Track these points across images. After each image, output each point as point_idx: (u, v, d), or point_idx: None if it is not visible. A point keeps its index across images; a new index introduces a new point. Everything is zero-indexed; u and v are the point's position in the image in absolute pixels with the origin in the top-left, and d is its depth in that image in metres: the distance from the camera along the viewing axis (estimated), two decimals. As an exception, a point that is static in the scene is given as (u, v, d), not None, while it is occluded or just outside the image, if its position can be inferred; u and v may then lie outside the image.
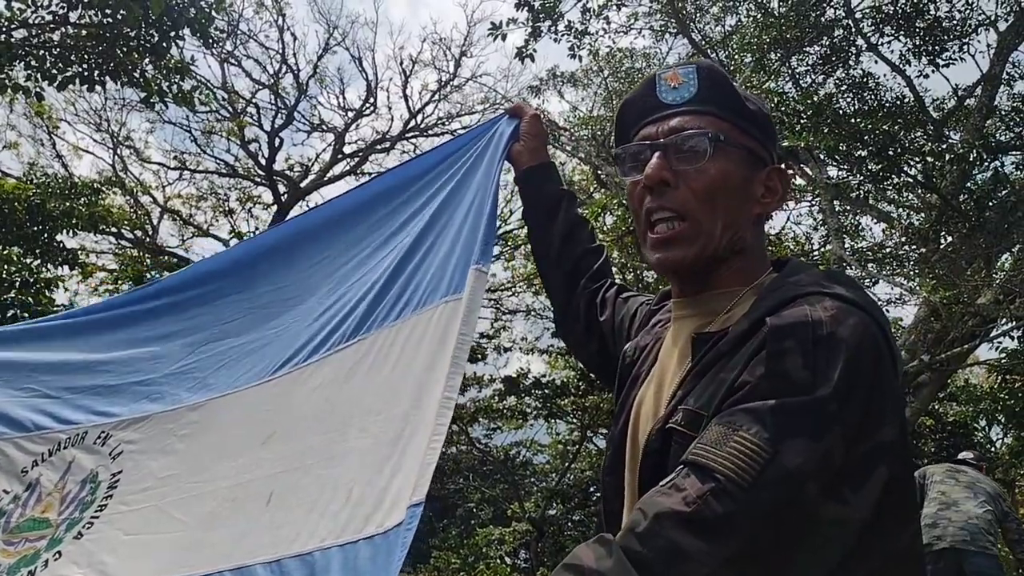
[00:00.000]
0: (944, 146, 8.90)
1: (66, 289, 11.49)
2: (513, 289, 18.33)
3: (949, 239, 10.05)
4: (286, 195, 17.43)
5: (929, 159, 8.97)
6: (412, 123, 17.93)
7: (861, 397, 0.98)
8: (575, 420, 19.13)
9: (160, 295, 2.43)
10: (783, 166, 1.28)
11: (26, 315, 8.70)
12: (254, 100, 17.53)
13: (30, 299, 9.04)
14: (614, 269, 1.95)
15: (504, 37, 9.18)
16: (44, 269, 10.22)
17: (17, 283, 9.15)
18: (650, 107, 1.30)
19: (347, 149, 18.28)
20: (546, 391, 18.54)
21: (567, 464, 19.98)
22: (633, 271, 14.02)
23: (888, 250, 11.63)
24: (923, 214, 11.11)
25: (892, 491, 0.99)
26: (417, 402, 1.69)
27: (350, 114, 18.18)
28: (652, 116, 1.29)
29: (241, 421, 2.06)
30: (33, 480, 2.25)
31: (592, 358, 1.77)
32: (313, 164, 18.58)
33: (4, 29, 7.94)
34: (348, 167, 18.18)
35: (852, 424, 0.97)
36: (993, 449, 15.54)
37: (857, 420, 0.97)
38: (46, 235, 10.72)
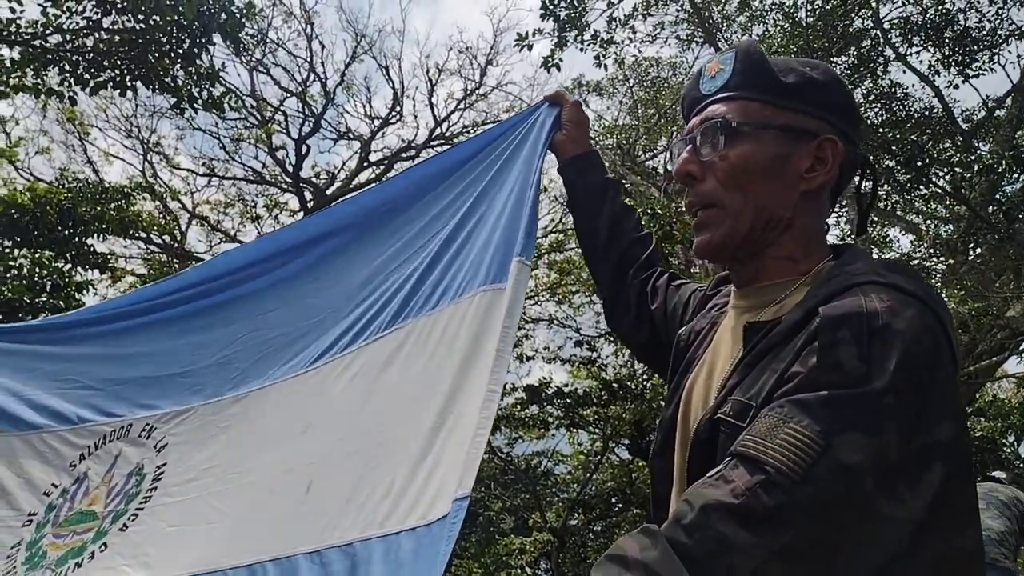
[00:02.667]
0: (973, 157, 8.81)
1: (96, 292, 11.63)
2: (536, 298, 18.33)
3: (978, 251, 9.95)
4: (312, 202, 17.56)
5: (958, 170, 8.90)
6: (437, 131, 18.03)
7: (917, 391, 0.95)
8: (597, 430, 19.07)
9: (195, 285, 2.43)
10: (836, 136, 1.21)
11: (57, 317, 8.81)
12: (282, 108, 17.71)
13: (61, 302, 9.16)
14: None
15: (530, 47, 9.22)
16: (75, 272, 10.36)
17: (48, 286, 9.29)
18: (695, 100, 1.30)
19: (373, 157, 18.42)
20: (568, 401, 18.49)
21: (589, 475, 19.91)
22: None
23: (916, 262, 11.52)
24: (951, 225, 11.01)
25: (948, 490, 0.96)
26: (456, 392, 1.68)
27: (376, 122, 18.33)
28: (695, 108, 1.30)
29: (280, 412, 2.06)
30: (81, 474, 2.28)
31: (643, 348, 1.73)
32: (339, 171, 18.75)
33: (39, 35, 8.09)
34: (374, 175, 18.30)
35: (908, 418, 0.94)
36: (1022, 465, 15.29)
37: (913, 415, 0.94)
38: (77, 239, 10.86)
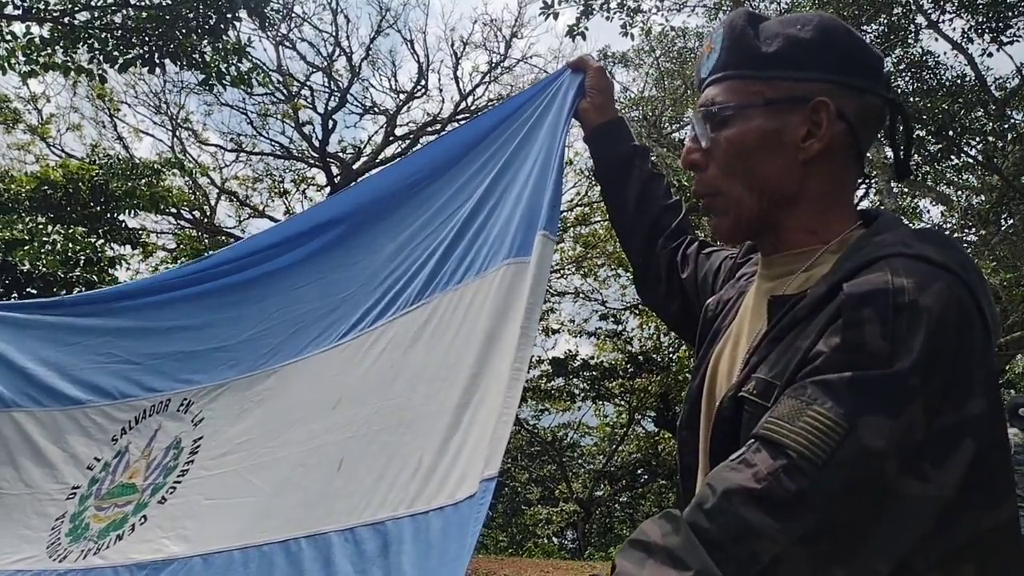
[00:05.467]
0: (1006, 126, 8.67)
1: (128, 267, 11.82)
2: (562, 271, 18.35)
3: (1010, 221, 9.81)
4: (339, 176, 17.65)
5: (990, 139, 8.78)
6: (463, 105, 18.00)
7: (945, 369, 0.92)
8: (623, 402, 19.14)
9: (229, 262, 2.46)
10: (826, 98, 1.14)
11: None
12: (308, 83, 17.77)
13: (94, 276, 9.29)
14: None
15: (556, 16, 9.16)
16: (107, 247, 10.50)
17: (82, 261, 9.42)
18: (700, 83, 1.26)
19: (398, 131, 18.44)
20: (594, 373, 18.57)
21: (615, 446, 20.01)
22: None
23: (946, 232, 11.39)
24: (983, 195, 10.85)
25: (980, 468, 0.93)
26: (481, 368, 1.67)
27: (401, 96, 18.33)
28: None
29: (311, 386, 2.08)
30: (122, 448, 2.33)
31: (675, 318, 1.70)
32: (365, 146, 18.81)
33: (68, 12, 8.17)
34: (400, 149, 18.34)
35: (935, 397, 0.91)
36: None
37: (940, 392, 0.91)
38: (109, 215, 11.02)
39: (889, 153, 10.07)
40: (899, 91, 9.14)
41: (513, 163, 1.93)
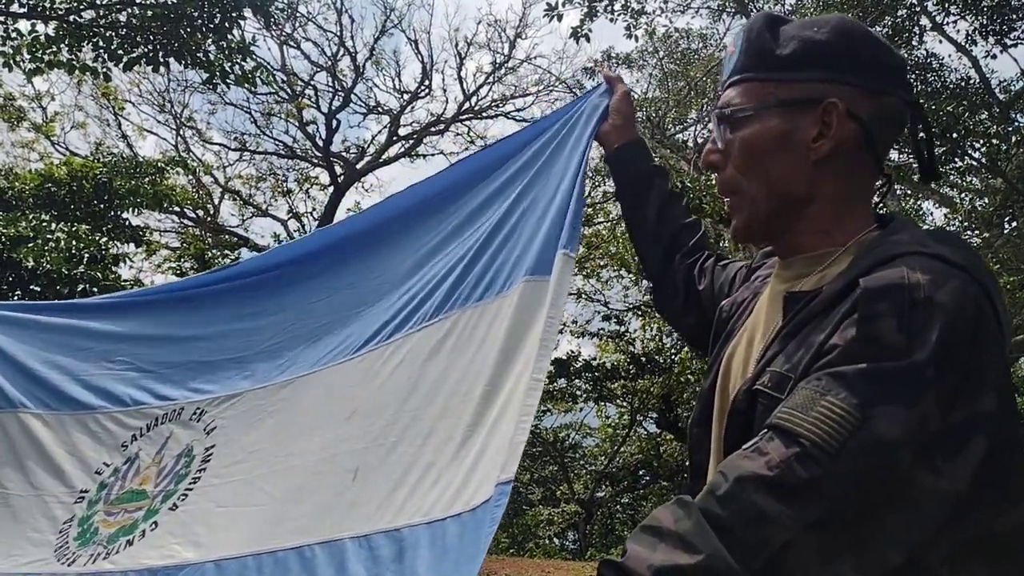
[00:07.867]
0: (1011, 129, 8.66)
1: (132, 265, 11.83)
2: (565, 272, 18.31)
3: (1014, 224, 9.80)
4: (342, 176, 17.67)
5: (994, 142, 8.75)
6: (466, 105, 18.01)
7: (959, 363, 0.93)
8: (625, 404, 19.13)
9: (247, 275, 2.48)
10: (836, 99, 1.14)
11: (95, 290, 8.98)
12: (312, 82, 17.79)
13: (98, 274, 9.30)
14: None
15: (560, 18, 9.16)
16: (111, 245, 10.50)
17: (85, 258, 9.43)
18: (723, 86, 1.28)
19: (402, 131, 18.45)
20: (596, 374, 18.55)
21: (616, 447, 20.00)
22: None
23: (950, 235, 11.38)
24: (987, 198, 10.84)
25: (992, 464, 0.94)
26: (500, 382, 1.70)
27: (405, 96, 18.34)
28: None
29: (327, 398, 2.10)
30: (132, 454, 2.33)
31: (691, 330, 1.74)
32: (369, 146, 18.82)
33: (73, 10, 8.18)
34: (403, 149, 18.36)
35: (948, 390, 0.92)
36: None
37: (954, 387, 0.93)
38: (113, 212, 11.03)
39: (894, 156, 10.07)
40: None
41: (536, 183, 1.98)
